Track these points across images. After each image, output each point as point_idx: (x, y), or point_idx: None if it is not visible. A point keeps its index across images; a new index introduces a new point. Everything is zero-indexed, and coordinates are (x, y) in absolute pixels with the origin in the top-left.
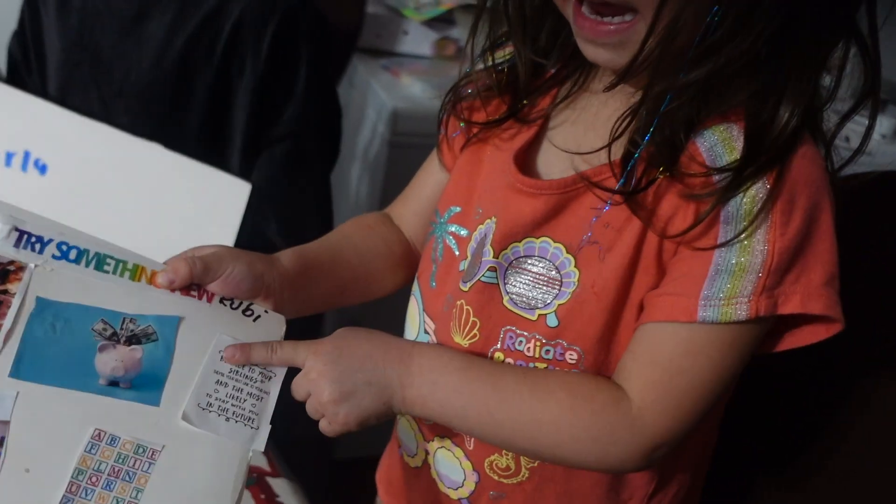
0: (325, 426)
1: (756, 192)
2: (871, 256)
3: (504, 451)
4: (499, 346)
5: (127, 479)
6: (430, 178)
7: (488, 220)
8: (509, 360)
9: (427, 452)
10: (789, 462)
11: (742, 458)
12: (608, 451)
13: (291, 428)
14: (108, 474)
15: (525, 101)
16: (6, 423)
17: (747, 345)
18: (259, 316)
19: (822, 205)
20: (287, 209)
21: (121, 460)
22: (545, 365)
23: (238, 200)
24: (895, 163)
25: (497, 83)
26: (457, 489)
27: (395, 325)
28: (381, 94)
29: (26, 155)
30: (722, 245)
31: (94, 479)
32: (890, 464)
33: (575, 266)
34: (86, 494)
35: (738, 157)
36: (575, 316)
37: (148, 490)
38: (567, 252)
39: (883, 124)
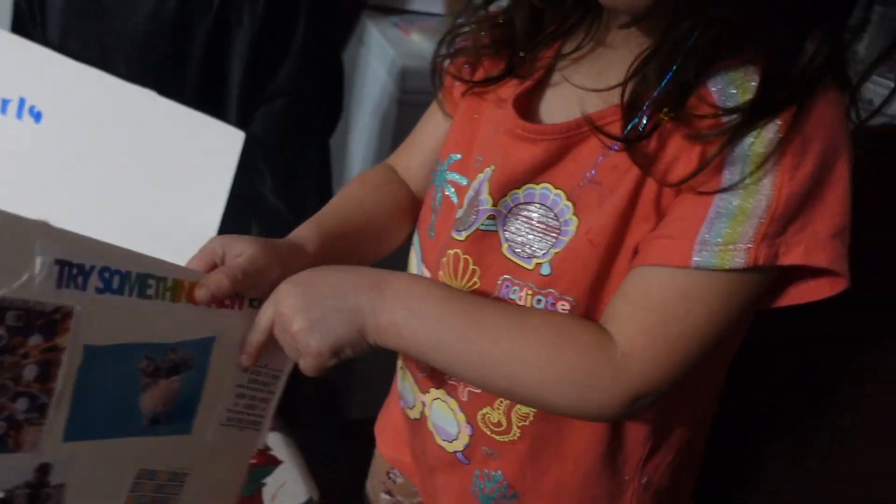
0: (303, 364)
1: (768, 134)
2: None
3: (496, 406)
4: (495, 293)
5: (162, 503)
6: (434, 127)
7: (487, 169)
8: None
9: (424, 404)
10: (795, 430)
11: (745, 426)
12: (588, 395)
13: (300, 389)
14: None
15: (522, 54)
16: (63, 486)
17: (746, 295)
18: None
19: (838, 151)
20: (283, 168)
21: (158, 490)
22: None
23: (232, 149)
24: None
25: (494, 40)
26: (451, 442)
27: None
28: (390, 52)
29: (21, 102)
30: (726, 188)
31: None
32: None
33: (574, 213)
34: None
35: (752, 97)
36: (568, 264)
37: None
38: (567, 199)
39: None
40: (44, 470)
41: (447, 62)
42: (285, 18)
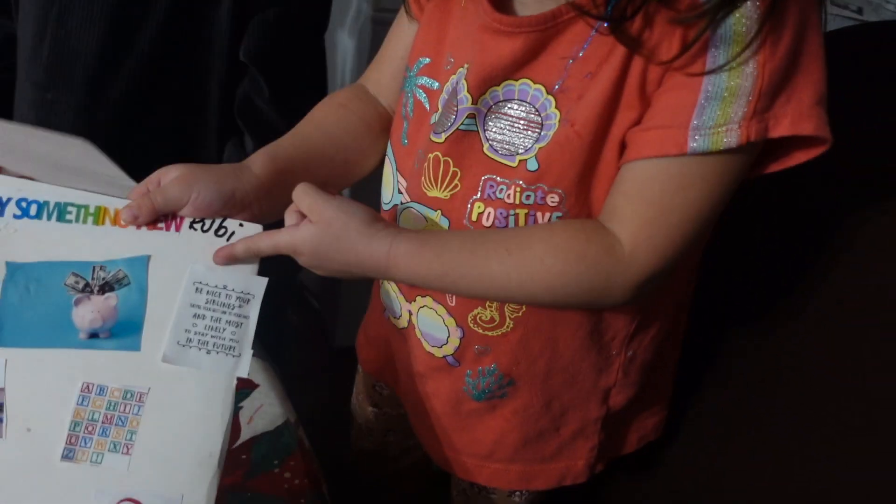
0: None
1: (747, 12)
2: (862, 101)
3: (488, 304)
4: (478, 195)
5: (120, 423)
6: (401, 35)
7: (461, 69)
8: (490, 209)
9: (411, 313)
10: (767, 307)
11: (719, 302)
12: (601, 296)
13: (286, 318)
14: (103, 422)
15: None
16: (1, 389)
17: (738, 172)
18: (233, 232)
19: (811, 20)
20: (278, 75)
21: (112, 407)
22: (526, 210)
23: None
24: None
25: None
26: (441, 346)
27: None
28: None
29: None
30: (712, 71)
31: (90, 428)
32: (868, 310)
33: (556, 107)
34: (85, 444)
35: None
36: (555, 158)
37: (141, 431)
38: (548, 93)
39: None
40: None
41: None
42: None
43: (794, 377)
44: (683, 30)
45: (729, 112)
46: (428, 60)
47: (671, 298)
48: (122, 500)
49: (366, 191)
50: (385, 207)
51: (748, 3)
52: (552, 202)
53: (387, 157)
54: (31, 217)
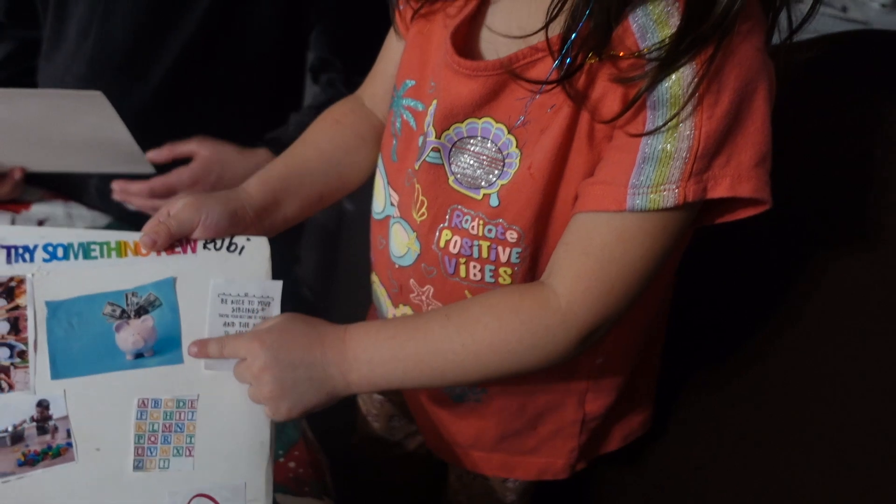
0: (268, 412)
1: (684, 76)
2: (834, 116)
3: None
4: (446, 224)
5: (179, 430)
6: (392, 51)
7: (436, 99)
8: (456, 237)
9: (395, 317)
10: (753, 307)
11: (706, 302)
12: (544, 350)
13: (281, 310)
14: (163, 431)
15: None
16: (66, 417)
17: (678, 228)
18: (243, 247)
19: (755, 82)
20: (349, 47)
21: (168, 417)
22: (488, 244)
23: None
24: None
25: None
26: None
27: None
28: None
29: None
30: (649, 133)
31: (152, 438)
32: (857, 311)
33: (517, 147)
34: (151, 453)
35: (671, 34)
36: (514, 197)
37: (198, 433)
38: (509, 133)
39: None
40: (44, 405)
41: None
42: None
43: (780, 377)
44: (625, 88)
45: (666, 173)
46: (413, 83)
47: (640, 313)
48: (194, 497)
49: (366, 199)
50: (377, 217)
51: (687, 67)
52: (511, 238)
53: (377, 170)
54: (60, 259)
